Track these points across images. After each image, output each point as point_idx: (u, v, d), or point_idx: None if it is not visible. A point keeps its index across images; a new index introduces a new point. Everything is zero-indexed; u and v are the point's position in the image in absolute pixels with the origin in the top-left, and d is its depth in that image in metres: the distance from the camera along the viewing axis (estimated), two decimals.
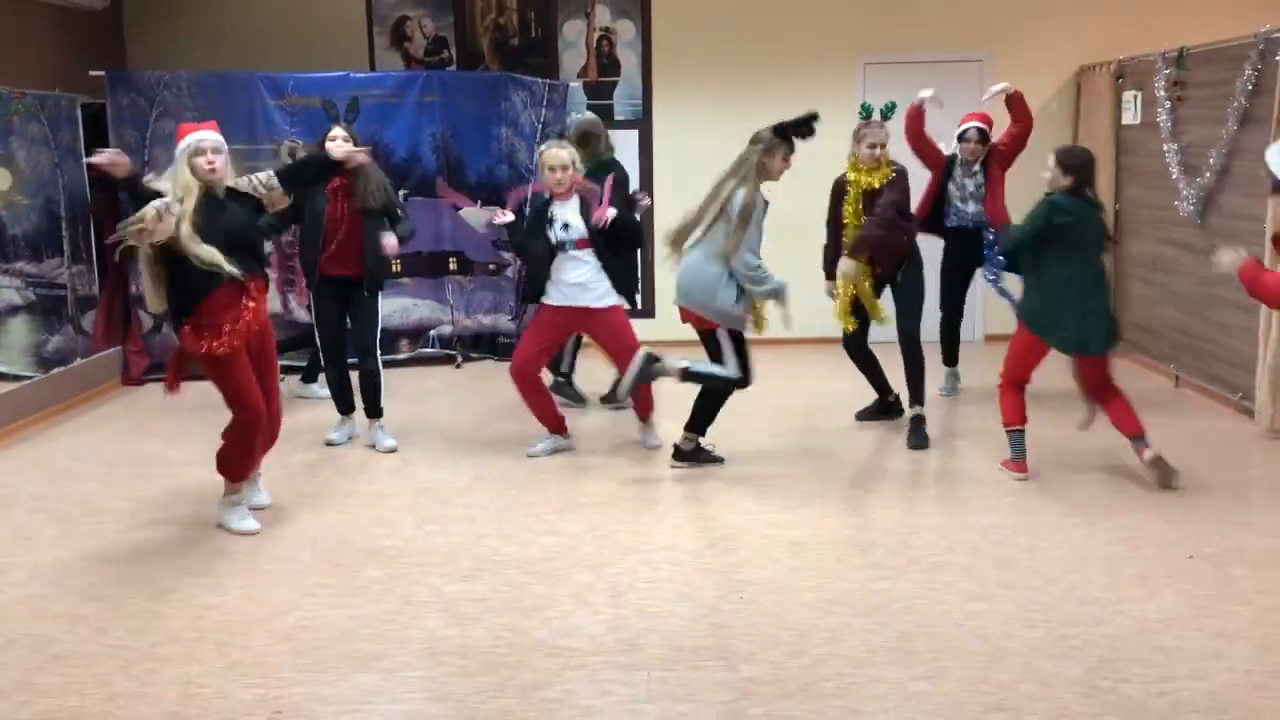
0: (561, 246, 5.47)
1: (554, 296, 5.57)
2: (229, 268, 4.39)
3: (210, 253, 4.36)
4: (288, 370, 6.56)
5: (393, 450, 5.87)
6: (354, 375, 5.97)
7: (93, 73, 7.36)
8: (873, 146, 5.68)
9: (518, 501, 5.06)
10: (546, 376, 5.99)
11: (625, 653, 3.57)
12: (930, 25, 8.25)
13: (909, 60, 8.16)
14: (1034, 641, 3.59)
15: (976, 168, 6.41)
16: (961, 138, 6.39)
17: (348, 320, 5.89)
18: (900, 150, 6.15)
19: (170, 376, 4.75)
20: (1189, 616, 3.75)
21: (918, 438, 5.73)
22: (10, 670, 3.52)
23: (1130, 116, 7.57)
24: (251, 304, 4.54)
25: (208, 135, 4.52)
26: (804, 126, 5.09)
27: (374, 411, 5.95)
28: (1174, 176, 6.81)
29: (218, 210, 4.50)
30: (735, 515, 4.88)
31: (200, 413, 5.90)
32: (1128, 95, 7.60)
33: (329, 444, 5.95)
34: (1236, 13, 7.50)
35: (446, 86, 7.77)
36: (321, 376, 6.63)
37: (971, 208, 6.43)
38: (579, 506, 5.01)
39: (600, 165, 6.19)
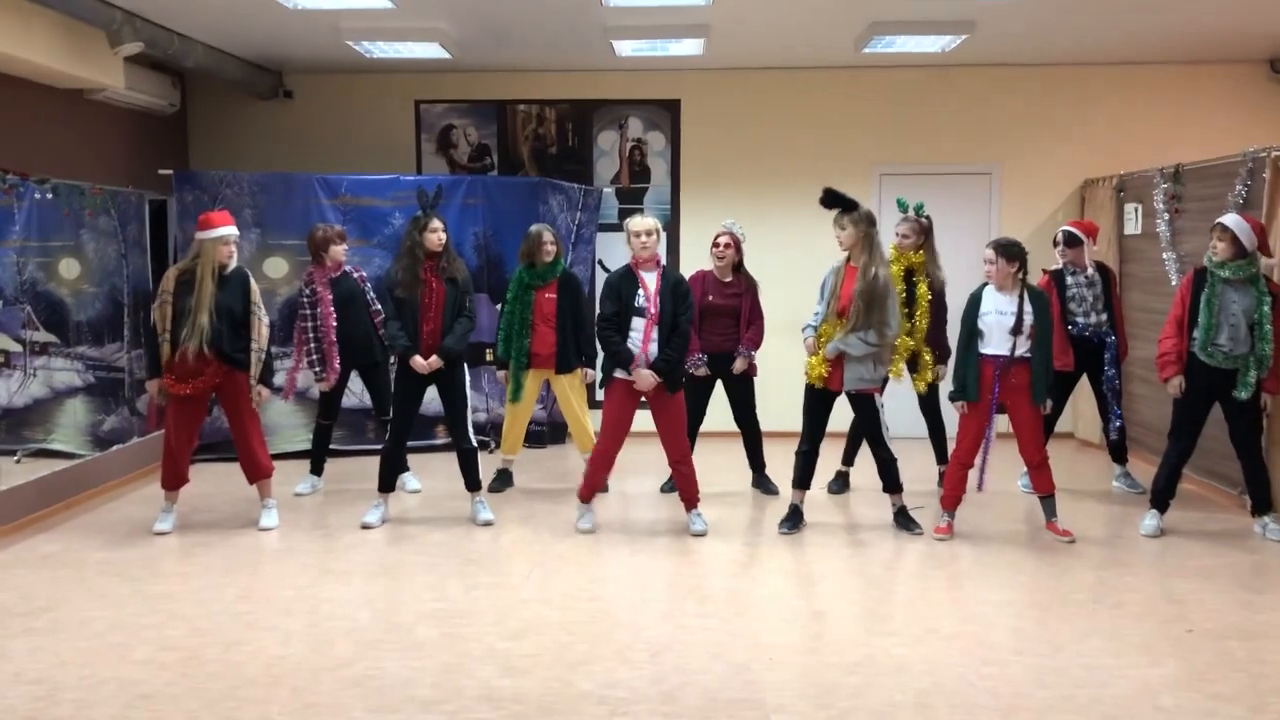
0: (640, 313, 5.88)
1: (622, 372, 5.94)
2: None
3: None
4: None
5: (489, 524, 6.24)
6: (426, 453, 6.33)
7: (161, 171, 7.91)
8: (898, 235, 6.60)
9: (558, 571, 5.40)
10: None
11: (666, 702, 3.88)
12: (941, 139, 8.80)
13: (921, 171, 8.69)
14: (1044, 700, 3.89)
15: (1094, 276, 6.77)
16: (1054, 243, 6.91)
17: (440, 402, 6.38)
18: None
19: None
20: (1187, 681, 4.05)
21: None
22: (105, 705, 3.84)
23: (1132, 227, 8.04)
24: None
25: (234, 230, 6.07)
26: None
27: (473, 485, 6.34)
28: (1173, 283, 7.24)
29: (220, 285, 5.95)
30: (762, 588, 5.21)
31: (243, 489, 6.36)
32: (1129, 207, 8.08)
33: (364, 527, 6.19)
34: (1227, 134, 8.13)
35: (489, 190, 8.30)
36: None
37: (1093, 318, 6.77)
38: (615, 577, 5.35)
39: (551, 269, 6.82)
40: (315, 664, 4.21)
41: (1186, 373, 5.87)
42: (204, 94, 8.92)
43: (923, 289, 6.51)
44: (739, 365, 6.76)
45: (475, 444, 6.32)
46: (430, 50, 7.54)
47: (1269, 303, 5.71)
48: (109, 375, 7.52)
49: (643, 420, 6.16)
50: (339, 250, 6.84)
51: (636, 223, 5.98)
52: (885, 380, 6.27)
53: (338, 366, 6.82)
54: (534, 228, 6.90)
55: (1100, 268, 6.89)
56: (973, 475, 6.08)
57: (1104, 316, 6.75)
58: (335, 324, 6.78)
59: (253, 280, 6.13)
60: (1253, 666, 4.18)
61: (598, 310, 6.18)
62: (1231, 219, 5.79)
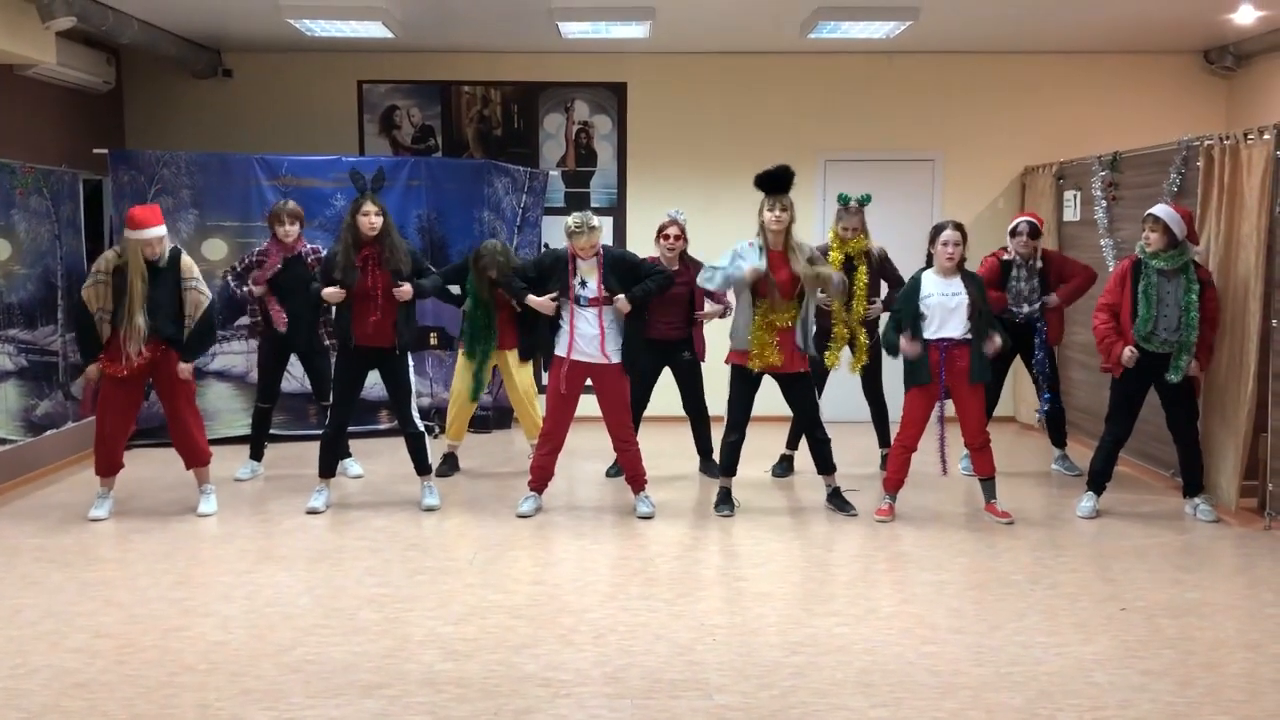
0: (578, 300, 5.90)
1: (566, 349, 5.94)
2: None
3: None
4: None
5: (432, 509, 6.19)
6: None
7: (96, 150, 7.73)
8: (842, 229, 6.66)
9: (502, 556, 5.39)
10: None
11: (609, 684, 3.89)
12: (885, 127, 8.86)
13: (865, 159, 8.75)
14: (981, 677, 3.95)
15: (1037, 266, 6.80)
16: (1013, 232, 6.84)
17: (384, 388, 6.29)
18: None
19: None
20: (1120, 658, 4.14)
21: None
22: (36, 694, 3.77)
23: (1071, 214, 8.16)
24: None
25: (157, 232, 5.85)
26: (763, 177, 5.90)
27: (422, 470, 6.29)
28: (1110, 269, 7.35)
29: (151, 277, 5.85)
30: (706, 570, 5.24)
31: (182, 474, 6.29)
32: (1068, 194, 8.20)
33: (311, 512, 6.12)
34: (1163, 123, 8.28)
35: (433, 171, 8.23)
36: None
37: (1025, 309, 6.80)
38: (559, 561, 5.35)
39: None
40: (254, 649, 4.16)
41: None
42: (140, 72, 8.72)
43: (861, 274, 6.60)
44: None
45: (422, 428, 6.27)
46: (373, 29, 7.44)
47: (1197, 290, 5.81)
48: (42, 359, 7.35)
49: (589, 405, 6.15)
50: (284, 231, 6.70)
51: (574, 222, 5.87)
52: (826, 371, 6.57)
53: (284, 315, 6.69)
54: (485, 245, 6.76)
55: (1045, 256, 6.96)
56: (936, 461, 6.17)
57: (1036, 306, 6.84)
58: (269, 279, 6.71)
59: (185, 258, 6.04)
60: (1182, 643, 4.28)
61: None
62: (1162, 209, 5.87)
